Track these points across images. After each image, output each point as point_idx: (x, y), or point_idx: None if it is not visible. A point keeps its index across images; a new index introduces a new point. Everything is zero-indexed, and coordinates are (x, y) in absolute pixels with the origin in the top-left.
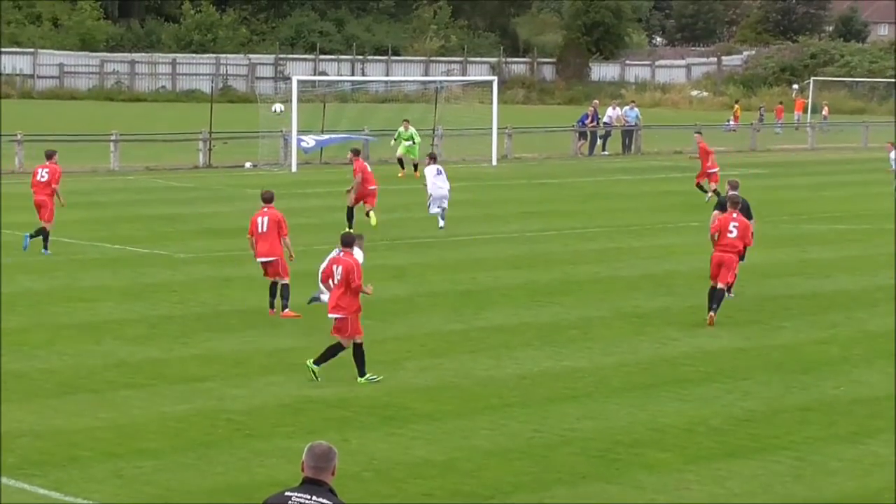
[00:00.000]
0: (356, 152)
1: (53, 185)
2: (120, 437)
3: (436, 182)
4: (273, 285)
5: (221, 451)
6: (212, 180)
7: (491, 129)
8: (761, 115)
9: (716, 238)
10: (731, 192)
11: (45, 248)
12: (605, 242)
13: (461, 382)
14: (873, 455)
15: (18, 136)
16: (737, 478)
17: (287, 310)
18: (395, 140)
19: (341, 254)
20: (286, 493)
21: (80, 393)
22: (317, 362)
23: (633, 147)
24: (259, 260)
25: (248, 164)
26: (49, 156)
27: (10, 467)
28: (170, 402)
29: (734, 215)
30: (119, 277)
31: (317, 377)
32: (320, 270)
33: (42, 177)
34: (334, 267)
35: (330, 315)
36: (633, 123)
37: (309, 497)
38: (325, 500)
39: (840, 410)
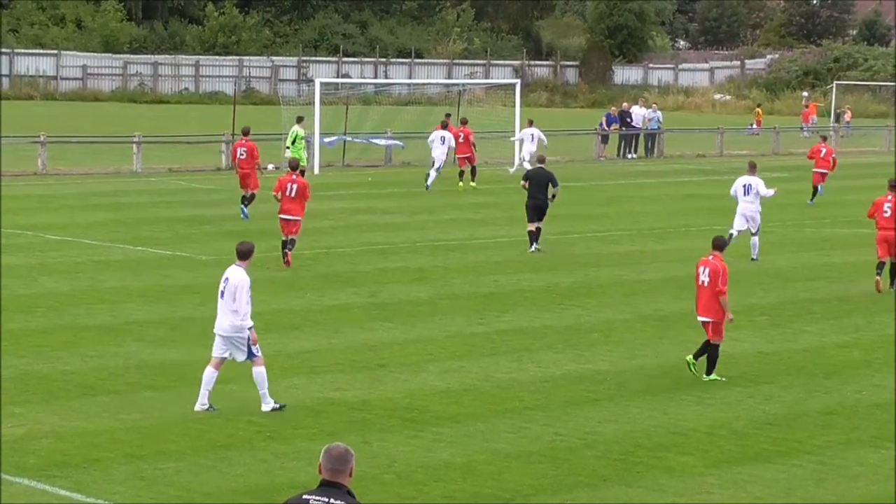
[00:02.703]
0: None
1: (256, 161)
2: (141, 439)
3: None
4: (284, 243)
5: (242, 453)
6: (234, 182)
7: (514, 131)
8: (837, 116)
9: (875, 219)
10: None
11: (245, 207)
12: (627, 245)
13: (483, 385)
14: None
15: (42, 138)
16: (758, 482)
17: (289, 255)
18: (290, 145)
19: (710, 256)
20: (304, 497)
21: (102, 394)
22: (708, 372)
23: (655, 150)
24: (283, 216)
25: (270, 167)
26: (245, 132)
27: (31, 468)
28: (191, 403)
29: (889, 197)
30: (141, 279)
31: (721, 378)
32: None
33: (241, 155)
34: (701, 269)
35: (700, 318)
36: (656, 127)
37: (326, 499)
38: (342, 503)
39: (862, 415)
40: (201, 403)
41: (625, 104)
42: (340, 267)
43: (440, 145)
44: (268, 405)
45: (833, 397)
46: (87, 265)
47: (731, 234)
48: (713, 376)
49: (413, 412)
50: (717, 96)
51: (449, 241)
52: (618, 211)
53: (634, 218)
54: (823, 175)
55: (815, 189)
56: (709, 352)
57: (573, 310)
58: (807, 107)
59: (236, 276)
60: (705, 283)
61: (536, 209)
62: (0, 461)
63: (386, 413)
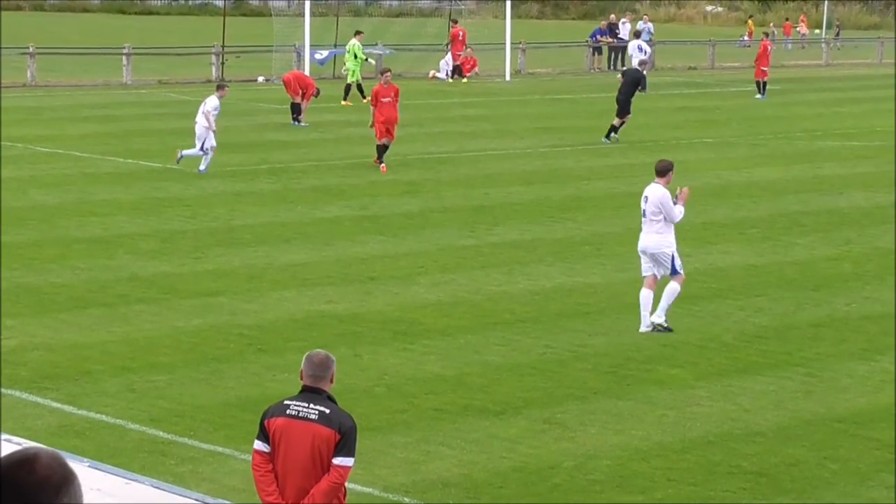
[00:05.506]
0: None
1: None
2: (132, 352)
3: None
4: (380, 146)
5: (233, 366)
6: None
7: (504, 44)
8: (838, 31)
9: None
10: None
11: (381, 159)
12: (618, 158)
13: (473, 298)
14: (884, 372)
15: (31, 49)
16: (748, 394)
17: (383, 164)
18: (365, 59)
19: None
20: (285, 402)
21: (93, 307)
22: None
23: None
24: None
25: (261, 79)
26: (383, 72)
27: (23, 381)
28: (182, 316)
29: None
30: (132, 192)
31: None
32: None
33: (385, 97)
34: None
35: None
36: (647, 39)
37: (307, 405)
38: (322, 408)
39: (852, 327)
40: (645, 325)
41: (612, 16)
42: (331, 180)
43: None
44: (658, 318)
45: (823, 310)
46: (77, 178)
47: None
48: None
49: (404, 325)
50: (709, 8)
51: (440, 153)
52: (609, 123)
53: (625, 130)
54: (765, 72)
55: (759, 84)
56: None
57: (564, 223)
58: (787, 19)
59: (655, 193)
60: None
61: (617, 102)
62: None
63: (377, 326)
